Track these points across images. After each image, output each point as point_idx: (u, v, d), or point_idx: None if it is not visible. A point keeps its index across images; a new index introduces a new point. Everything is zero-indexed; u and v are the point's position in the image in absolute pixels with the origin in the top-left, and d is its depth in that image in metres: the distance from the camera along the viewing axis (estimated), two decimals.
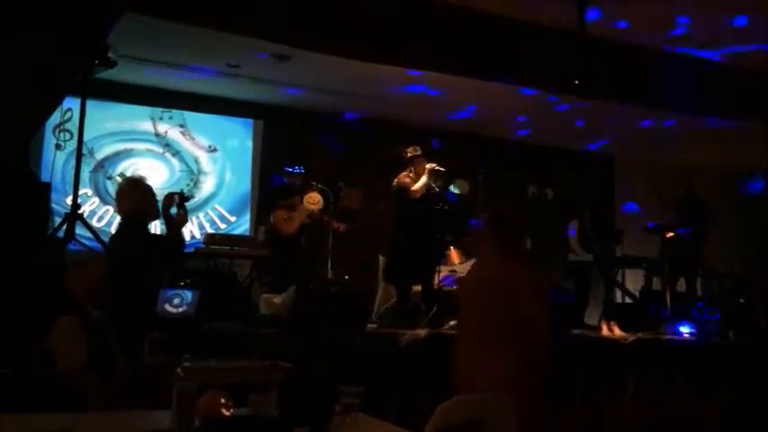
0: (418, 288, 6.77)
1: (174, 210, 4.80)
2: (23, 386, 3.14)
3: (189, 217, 7.04)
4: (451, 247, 7.42)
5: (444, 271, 7.09)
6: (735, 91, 7.96)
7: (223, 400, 2.44)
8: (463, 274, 4.06)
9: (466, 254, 7.44)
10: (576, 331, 6.72)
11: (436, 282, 6.83)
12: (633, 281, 8.79)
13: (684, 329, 7.13)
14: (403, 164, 6.85)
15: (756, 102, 8.01)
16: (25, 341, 3.67)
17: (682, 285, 8.35)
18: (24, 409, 2.63)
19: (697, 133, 9.27)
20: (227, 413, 2.40)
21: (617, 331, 6.84)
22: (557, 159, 10.38)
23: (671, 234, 7.91)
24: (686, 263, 8.12)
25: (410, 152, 6.80)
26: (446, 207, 6.90)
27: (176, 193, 4.91)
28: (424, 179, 6.61)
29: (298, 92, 8.42)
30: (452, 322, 6.54)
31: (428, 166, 6.66)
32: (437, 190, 6.83)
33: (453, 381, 3.60)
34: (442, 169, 6.74)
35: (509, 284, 3.47)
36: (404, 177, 6.70)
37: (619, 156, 10.96)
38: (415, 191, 6.59)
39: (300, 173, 7.47)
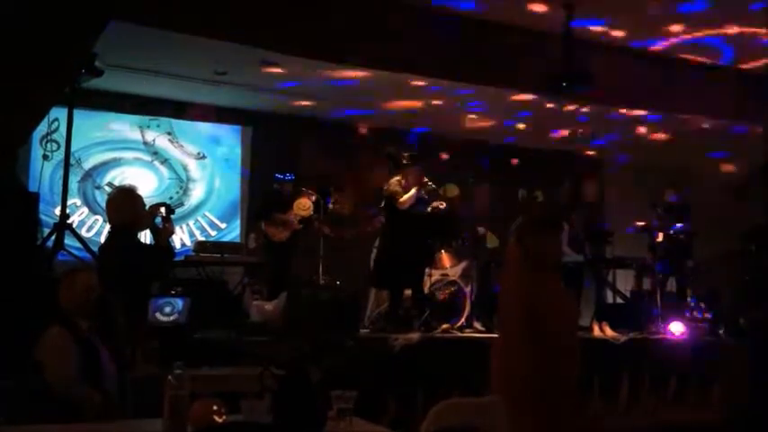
0: (409, 292, 6.77)
1: (159, 220, 4.79)
2: (15, 397, 3.11)
3: (178, 224, 7.08)
4: (442, 251, 7.41)
5: (435, 274, 7.09)
6: (725, 93, 8.02)
7: (216, 408, 2.42)
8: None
9: (457, 257, 7.45)
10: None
11: (427, 286, 6.84)
12: (624, 281, 8.82)
13: (676, 329, 7.16)
14: (396, 165, 6.83)
15: (747, 103, 8.07)
16: (14, 352, 3.64)
17: (672, 285, 8.39)
18: (18, 421, 2.61)
19: (685, 134, 9.31)
20: (220, 420, 2.39)
21: (608, 332, 6.86)
22: (546, 162, 10.40)
23: (660, 234, 7.96)
24: (676, 263, 8.17)
25: (405, 159, 6.78)
26: (436, 212, 6.89)
27: (161, 204, 4.90)
28: (413, 192, 6.58)
29: (285, 98, 8.41)
30: (444, 326, 6.57)
31: (420, 180, 6.64)
32: (426, 197, 6.82)
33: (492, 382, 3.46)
34: (433, 186, 6.73)
35: (530, 300, 3.30)
36: (395, 185, 6.66)
37: (608, 157, 10.99)
38: (402, 202, 6.57)
39: (291, 180, 7.47)
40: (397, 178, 6.70)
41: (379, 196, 6.99)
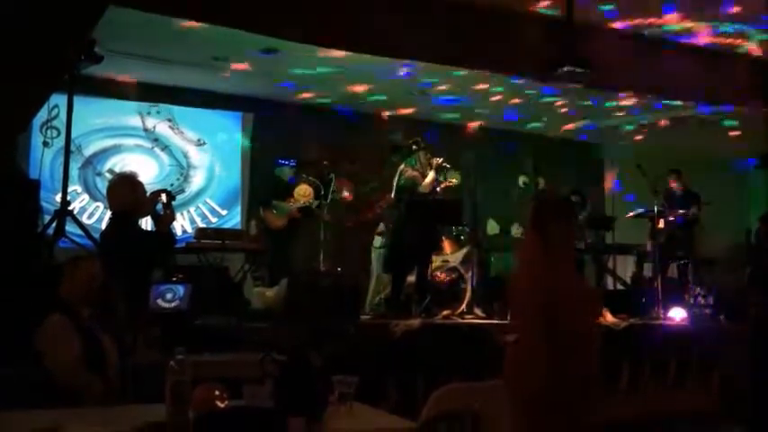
0: (411, 279, 6.79)
1: (159, 207, 4.78)
2: (15, 386, 3.13)
3: (179, 211, 7.07)
4: (443, 237, 7.42)
5: (437, 261, 7.10)
6: (726, 77, 7.99)
7: (218, 393, 2.43)
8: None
9: (458, 243, 7.45)
10: None
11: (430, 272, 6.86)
12: (624, 267, 8.83)
13: (677, 315, 7.17)
14: (401, 153, 6.85)
15: (749, 87, 8.04)
16: (14, 341, 3.65)
17: (673, 271, 8.40)
18: (19, 408, 2.62)
19: (687, 120, 9.29)
20: (222, 405, 2.40)
21: (609, 318, 6.87)
22: (547, 148, 10.38)
23: (662, 221, 7.96)
24: (677, 249, 8.18)
25: (414, 145, 6.81)
26: (448, 186, 6.95)
27: (162, 191, 4.89)
28: (432, 174, 6.68)
29: (286, 84, 8.39)
30: (445, 312, 6.59)
31: (435, 160, 6.71)
32: (442, 184, 6.89)
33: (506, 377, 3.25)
34: (447, 165, 6.81)
35: (549, 291, 3.08)
36: (411, 171, 6.72)
37: (609, 143, 10.97)
38: (425, 185, 6.67)
39: (293, 166, 7.47)
40: (410, 165, 6.73)
41: (380, 184, 7.00)
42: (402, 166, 6.79)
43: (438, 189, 6.88)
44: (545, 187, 8.19)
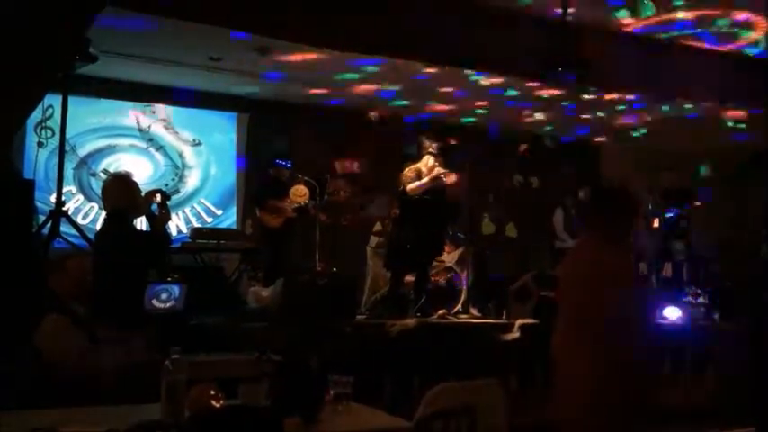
0: (409, 278, 6.79)
1: (155, 207, 4.78)
2: (14, 384, 3.13)
3: (175, 211, 7.06)
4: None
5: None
6: (726, 76, 8.02)
7: (213, 392, 2.44)
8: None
9: (453, 243, 7.46)
10: None
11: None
12: None
13: (672, 313, 7.20)
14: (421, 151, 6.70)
15: (747, 87, 8.06)
16: (11, 339, 3.65)
17: (668, 270, 8.43)
18: (18, 407, 2.64)
19: (683, 119, 9.31)
20: (218, 404, 2.40)
21: None
22: (542, 147, 10.40)
23: (656, 219, 7.99)
24: (672, 247, 8.20)
25: (431, 149, 6.58)
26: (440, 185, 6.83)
27: (157, 191, 4.88)
28: (424, 180, 6.41)
29: (281, 84, 8.38)
30: (440, 312, 6.60)
31: (438, 170, 6.47)
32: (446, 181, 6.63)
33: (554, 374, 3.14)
34: (444, 179, 6.52)
35: (606, 277, 2.93)
36: (409, 171, 6.51)
37: (604, 142, 10.99)
38: (411, 189, 6.44)
39: (289, 167, 7.48)
40: (416, 165, 6.58)
41: (376, 184, 6.99)
42: (410, 166, 6.65)
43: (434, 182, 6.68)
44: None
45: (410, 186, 6.46)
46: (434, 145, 6.67)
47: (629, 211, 3.15)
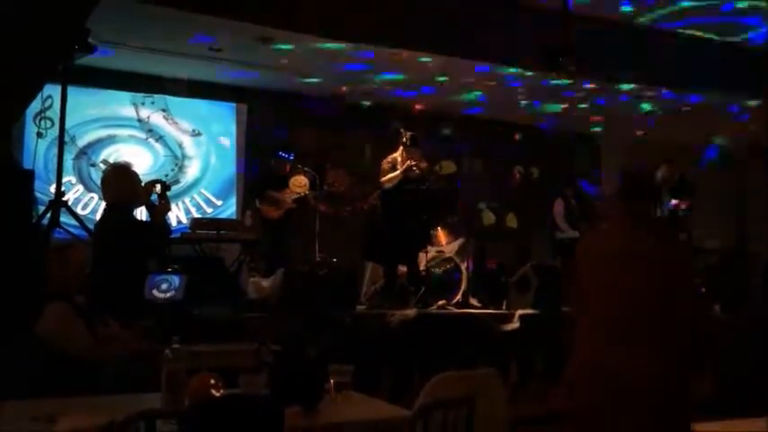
0: (402, 269, 6.80)
1: (154, 197, 4.78)
2: (20, 372, 3.14)
3: (174, 202, 7.06)
4: (438, 228, 7.42)
5: (431, 251, 7.10)
6: (723, 66, 8.00)
7: (213, 381, 2.44)
8: (585, 242, 3.21)
9: (453, 234, 7.46)
10: (564, 309, 6.77)
11: (423, 263, 6.85)
12: None
13: None
14: (395, 144, 6.80)
15: (744, 77, 8.05)
16: (12, 329, 3.65)
17: None
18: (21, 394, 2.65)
19: (681, 110, 9.30)
20: (218, 394, 2.41)
21: None
22: (541, 138, 10.38)
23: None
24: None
25: (406, 139, 6.70)
26: (432, 188, 6.87)
27: (157, 182, 4.88)
28: (396, 173, 6.56)
29: (281, 75, 8.36)
30: (440, 302, 6.60)
31: (409, 162, 6.56)
32: (413, 178, 6.68)
33: (571, 370, 2.98)
34: (415, 170, 6.60)
35: (660, 263, 2.84)
36: (385, 163, 6.68)
37: (603, 133, 10.97)
38: (383, 181, 6.63)
39: (291, 159, 7.47)
40: (393, 156, 6.70)
41: (375, 174, 6.98)
42: (388, 157, 6.75)
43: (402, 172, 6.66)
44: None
45: (383, 179, 6.63)
46: (408, 134, 6.73)
47: (655, 197, 3.16)
